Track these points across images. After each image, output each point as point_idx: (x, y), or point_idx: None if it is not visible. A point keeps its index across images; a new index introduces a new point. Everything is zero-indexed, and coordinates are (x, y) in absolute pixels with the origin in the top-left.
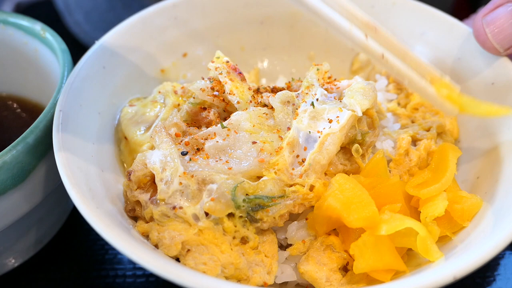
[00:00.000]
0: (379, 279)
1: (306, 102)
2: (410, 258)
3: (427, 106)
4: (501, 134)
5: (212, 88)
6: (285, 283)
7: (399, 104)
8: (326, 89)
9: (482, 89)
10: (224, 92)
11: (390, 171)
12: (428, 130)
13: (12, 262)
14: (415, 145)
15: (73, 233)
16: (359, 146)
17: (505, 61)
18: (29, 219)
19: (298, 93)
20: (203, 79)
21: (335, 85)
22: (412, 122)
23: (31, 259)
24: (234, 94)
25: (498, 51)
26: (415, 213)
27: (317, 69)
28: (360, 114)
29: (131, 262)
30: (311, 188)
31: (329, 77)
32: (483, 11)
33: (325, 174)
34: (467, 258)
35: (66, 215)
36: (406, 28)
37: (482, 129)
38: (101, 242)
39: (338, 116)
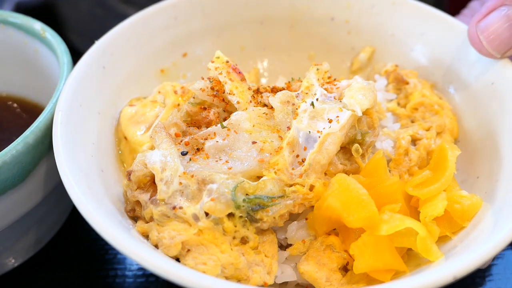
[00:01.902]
0: (379, 279)
1: (306, 102)
2: (410, 258)
3: (426, 106)
4: (501, 133)
5: (212, 88)
6: (285, 283)
7: (398, 104)
8: (326, 89)
9: (482, 89)
10: (224, 92)
11: (390, 171)
12: (427, 130)
13: (12, 262)
14: (414, 145)
15: (73, 233)
16: (359, 146)
17: (505, 61)
18: (29, 219)
19: (298, 93)
20: (203, 79)
21: (334, 85)
22: (412, 122)
23: (31, 259)
24: (234, 94)
25: (495, 56)
26: (415, 213)
27: (317, 69)
28: (360, 114)
29: (131, 262)
30: (311, 188)
31: (329, 77)
32: (476, 16)
33: (325, 174)
34: (467, 258)
35: (66, 215)
36: (406, 28)
37: (482, 128)
38: (101, 242)
39: (338, 116)
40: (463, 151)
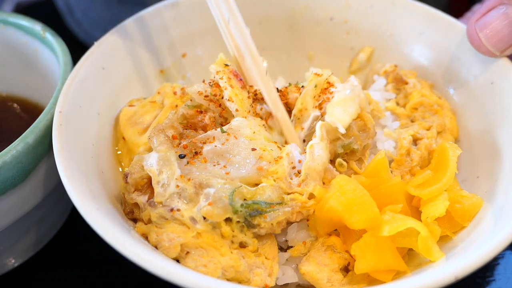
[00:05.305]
0: (380, 279)
1: (300, 128)
2: (410, 258)
3: (426, 105)
4: (501, 133)
5: (211, 93)
6: (286, 284)
7: (398, 104)
8: (319, 106)
9: (481, 88)
10: (222, 98)
11: (392, 172)
12: (428, 129)
13: (12, 262)
14: (415, 145)
15: (73, 233)
16: (342, 160)
17: (504, 61)
18: (29, 219)
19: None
20: (203, 82)
21: (331, 93)
22: (412, 121)
23: (31, 259)
24: (233, 101)
25: (494, 54)
26: (416, 213)
27: (315, 85)
28: (342, 131)
29: (131, 262)
30: (310, 196)
31: (328, 82)
32: (475, 15)
33: (323, 183)
34: (468, 258)
35: (66, 215)
36: (405, 28)
37: (482, 128)
38: (101, 243)
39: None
40: (463, 151)
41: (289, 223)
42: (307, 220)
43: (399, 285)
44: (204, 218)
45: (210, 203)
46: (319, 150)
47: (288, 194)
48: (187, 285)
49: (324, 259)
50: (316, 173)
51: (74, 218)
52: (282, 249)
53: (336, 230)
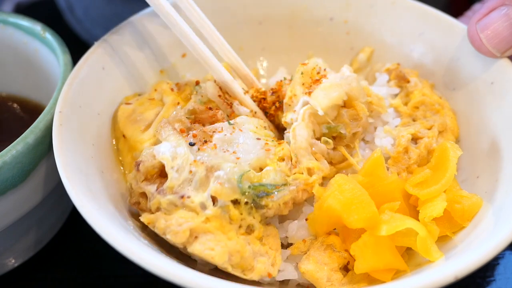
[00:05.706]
0: (380, 278)
1: (292, 112)
2: (410, 257)
3: (427, 105)
4: (501, 133)
5: (223, 95)
6: (286, 282)
7: None
8: (310, 93)
9: (481, 89)
10: (232, 103)
11: (388, 168)
12: (429, 129)
13: (12, 262)
14: (416, 143)
15: (73, 233)
16: (326, 138)
17: (504, 61)
18: (29, 219)
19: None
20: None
21: (321, 83)
22: (413, 120)
23: (31, 259)
24: (244, 106)
25: (495, 55)
26: (414, 211)
27: (302, 73)
28: (321, 113)
29: (131, 262)
30: (309, 171)
31: (318, 73)
32: (476, 16)
33: (316, 159)
34: (468, 258)
35: (66, 215)
36: (405, 28)
37: (482, 128)
38: (101, 243)
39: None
40: (463, 150)
41: (295, 204)
42: (306, 219)
43: (399, 285)
44: (214, 203)
45: (220, 183)
46: (300, 130)
47: (289, 176)
48: (187, 285)
49: (324, 258)
50: (303, 149)
51: (74, 218)
52: (283, 245)
53: (335, 229)
